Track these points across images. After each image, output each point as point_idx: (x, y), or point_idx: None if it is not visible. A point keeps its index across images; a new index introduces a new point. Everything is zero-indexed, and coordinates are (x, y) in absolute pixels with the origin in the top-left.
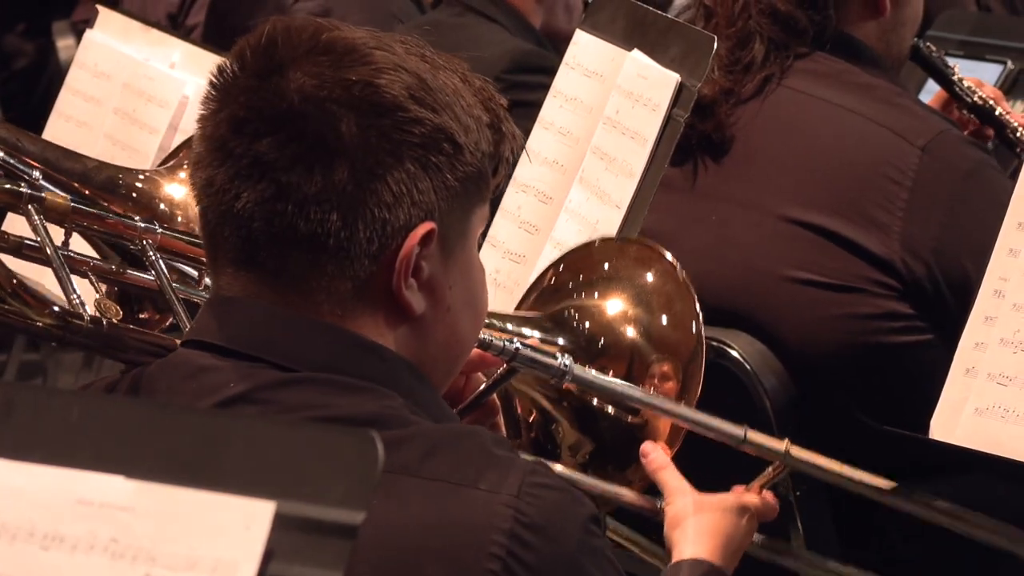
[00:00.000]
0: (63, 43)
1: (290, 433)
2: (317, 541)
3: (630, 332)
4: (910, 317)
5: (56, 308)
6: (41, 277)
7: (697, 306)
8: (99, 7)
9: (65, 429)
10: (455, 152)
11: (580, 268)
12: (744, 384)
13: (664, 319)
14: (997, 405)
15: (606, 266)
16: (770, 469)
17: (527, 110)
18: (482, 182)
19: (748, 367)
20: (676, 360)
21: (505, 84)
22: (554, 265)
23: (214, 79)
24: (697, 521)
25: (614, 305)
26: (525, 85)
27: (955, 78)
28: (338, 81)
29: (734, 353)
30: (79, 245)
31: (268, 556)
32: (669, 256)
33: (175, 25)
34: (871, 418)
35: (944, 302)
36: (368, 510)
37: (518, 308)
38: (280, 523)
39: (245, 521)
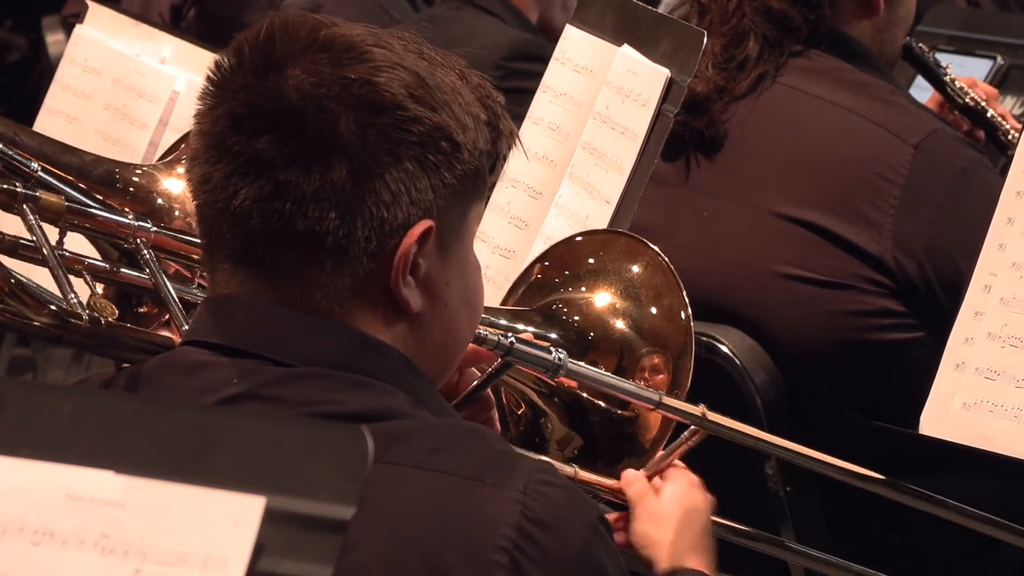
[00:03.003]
0: (52, 38)
1: (280, 429)
2: (307, 536)
3: (620, 325)
4: (901, 315)
5: (54, 307)
6: (35, 276)
7: (685, 296)
8: (89, 1)
9: (56, 424)
10: (453, 150)
11: (566, 262)
12: (734, 379)
13: (654, 311)
14: (985, 399)
15: (592, 260)
16: (685, 434)
17: (526, 97)
18: (479, 180)
19: (738, 362)
20: (666, 352)
21: (504, 71)
22: (539, 260)
23: (211, 75)
24: (662, 534)
25: (602, 298)
26: (524, 73)
27: (947, 79)
28: (337, 79)
29: (724, 348)
30: (76, 242)
31: (258, 551)
32: (656, 248)
33: (179, 16)
34: (861, 414)
35: (936, 300)
36: (376, 503)
37: (503, 304)
38: (270, 518)
39: (235, 516)
